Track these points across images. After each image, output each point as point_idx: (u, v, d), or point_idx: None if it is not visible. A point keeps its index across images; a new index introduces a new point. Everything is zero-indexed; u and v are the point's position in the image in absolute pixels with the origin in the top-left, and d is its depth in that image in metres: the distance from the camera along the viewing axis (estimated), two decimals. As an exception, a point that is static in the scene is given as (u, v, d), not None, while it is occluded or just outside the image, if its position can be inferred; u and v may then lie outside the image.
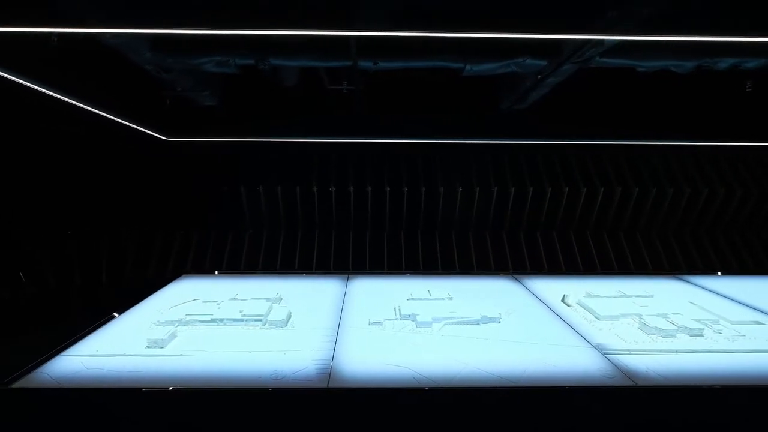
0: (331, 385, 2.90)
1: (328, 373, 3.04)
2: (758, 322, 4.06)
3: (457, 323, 3.93)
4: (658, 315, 4.05)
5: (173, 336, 3.54)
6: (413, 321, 3.94)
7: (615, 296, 4.66)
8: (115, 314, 4.14)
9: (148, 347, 3.38)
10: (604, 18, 3.36)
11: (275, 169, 6.48)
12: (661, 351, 3.43)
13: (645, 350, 3.44)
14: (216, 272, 6.45)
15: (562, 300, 4.60)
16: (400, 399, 2.84)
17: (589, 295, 4.73)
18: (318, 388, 2.86)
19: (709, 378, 3.08)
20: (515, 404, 2.83)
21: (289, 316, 4.04)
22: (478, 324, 3.96)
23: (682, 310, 4.21)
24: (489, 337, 3.69)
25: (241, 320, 3.85)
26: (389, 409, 2.74)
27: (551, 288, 5.04)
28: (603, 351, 3.42)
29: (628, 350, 3.44)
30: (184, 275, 5.75)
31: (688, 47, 4.18)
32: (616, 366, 3.19)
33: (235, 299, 4.43)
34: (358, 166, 6.40)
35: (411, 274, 5.78)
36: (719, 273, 6.75)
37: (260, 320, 3.86)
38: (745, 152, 6.41)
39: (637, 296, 4.66)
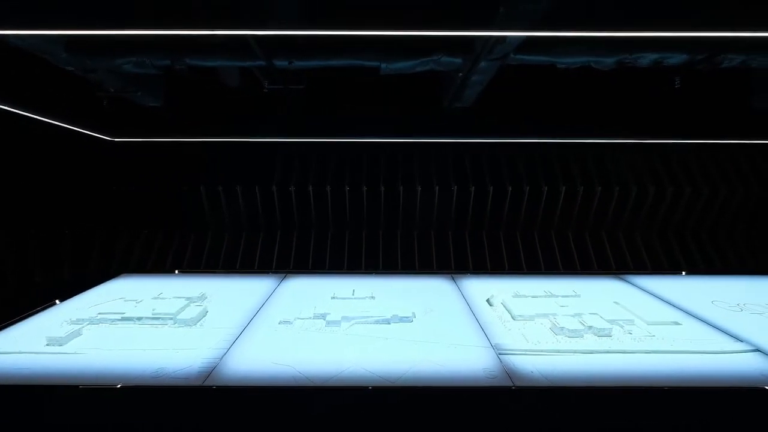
0: (206, 383, 2.92)
1: (209, 371, 3.06)
2: (676, 323, 3.99)
3: (367, 322, 3.93)
4: (574, 315, 4.00)
5: (77, 334, 3.59)
6: (323, 320, 3.94)
7: (540, 296, 4.62)
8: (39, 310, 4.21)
9: (47, 345, 3.43)
10: (498, 14, 3.33)
11: (234, 169, 6.52)
12: (558, 351, 3.39)
13: (542, 351, 3.40)
14: (176, 271, 6.54)
15: (487, 300, 4.57)
16: (268, 397, 2.84)
17: (516, 295, 4.69)
18: (187, 386, 2.88)
19: (595, 379, 3.04)
20: (381, 403, 2.82)
21: (203, 315, 4.07)
22: (389, 323, 3.95)
23: (602, 310, 4.15)
24: (392, 336, 3.67)
25: (151, 319, 3.89)
26: (255, 407, 2.75)
27: (485, 288, 5.00)
28: (499, 351, 3.39)
29: (525, 351, 3.40)
30: (124, 274, 5.81)
31: (602, 43, 4.12)
32: (505, 367, 3.16)
33: (157, 298, 4.47)
34: (312, 166, 6.42)
35: (350, 273, 5.78)
36: (683, 273, 6.67)
37: (171, 319, 3.90)
38: (701, 149, 6.31)
39: (563, 296, 4.61)
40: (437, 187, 6.01)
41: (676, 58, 4.29)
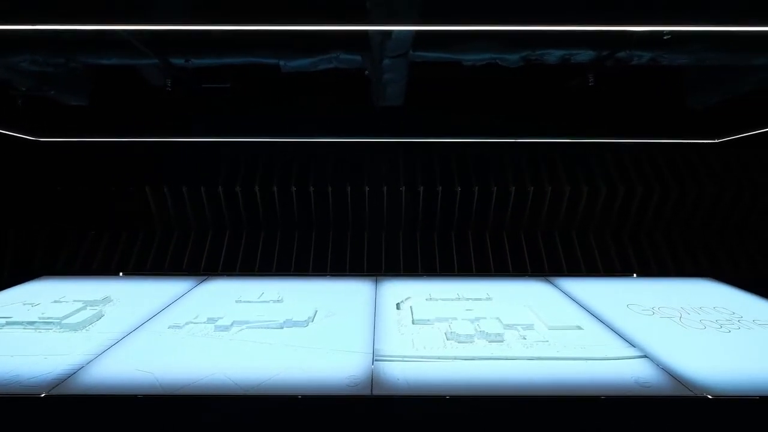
0: (53, 392, 2.82)
1: (63, 379, 2.96)
2: (579, 327, 3.88)
3: (258, 327, 3.83)
4: (473, 320, 3.90)
5: (-50, 339, 3.50)
6: (213, 324, 3.84)
7: (451, 299, 4.51)
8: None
9: None
10: (368, 8, 3.23)
11: (176, 169, 6.44)
12: (437, 358, 3.29)
13: (420, 357, 3.30)
14: (120, 273, 6.46)
15: (397, 304, 4.46)
16: (114, 406, 2.74)
17: (429, 298, 4.59)
18: (19, 395, 2.78)
19: (464, 387, 2.93)
20: (231, 411, 2.72)
21: (95, 319, 3.98)
22: (282, 328, 3.85)
23: (507, 314, 4.04)
24: (277, 342, 3.58)
25: (37, 323, 3.79)
26: (86, 417, 2.65)
27: (405, 291, 4.90)
28: (376, 358, 3.29)
29: (404, 357, 3.30)
30: (44, 276, 5.72)
31: (501, 38, 4.02)
32: (374, 374, 3.05)
33: (57, 301, 4.38)
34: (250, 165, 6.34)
35: (277, 275, 5.68)
36: (635, 275, 6.57)
37: (57, 323, 3.80)
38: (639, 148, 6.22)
39: (475, 299, 4.51)
40: (367, 188, 5.91)
41: (583, 55, 4.19)
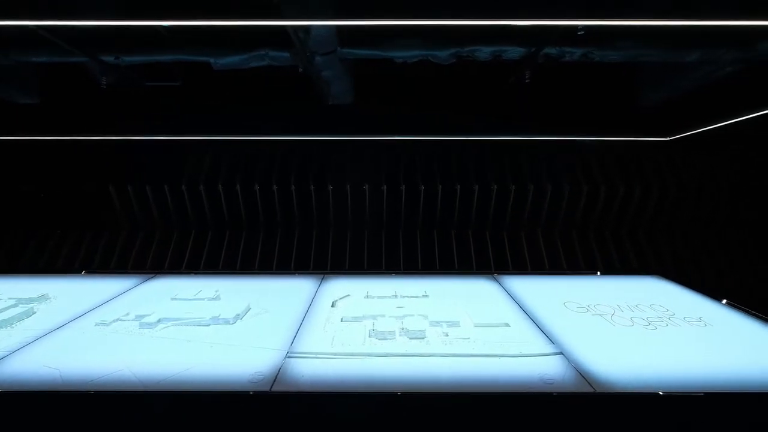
0: (-50, 388, 2.82)
1: (-35, 375, 2.96)
2: (507, 325, 3.87)
3: (184, 324, 3.82)
4: (400, 317, 3.89)
5: None
6: (139, 321, 3.84)
7: (387, 297, 4.51)
8: None
9: None
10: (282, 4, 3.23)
11: (138, 167, 6.46)
12: (350, 355, 3.28)
13: (334, 354, 3.29)
14: (83, 272, 6.46)
15: (333, 302, 4.46)
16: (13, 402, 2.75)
17: (367, 296, 4.58)
18: None
19: (373, 383, 2.93)
20: (133, 406, 2.72)
21: (25, 317, 3.98)
22: (208, 325, 3.84)
23: (437, 311, 4.04)
24: (197, 339, 3.57)
25: (-41, 320, 3.79)
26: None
27: (346, 288, 4.88)
28: (289, 355, 3.28)
29: (316, 354, 3.30)
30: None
31: (429, 35, 4.01)
32: (281, 371, 3.05)
33: (-9, 299, 4.38)
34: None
35: (221, 273, 5.67)
36: (598, 273, 6.55)
37: (-19, 321, 3.80)
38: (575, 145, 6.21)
39: (411, 297, 4.50)
40: (312, 186, 5.90)
41: (512, 52, 4.18)
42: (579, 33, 3.34)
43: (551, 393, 2.80)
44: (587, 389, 2.85)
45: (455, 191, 6.20)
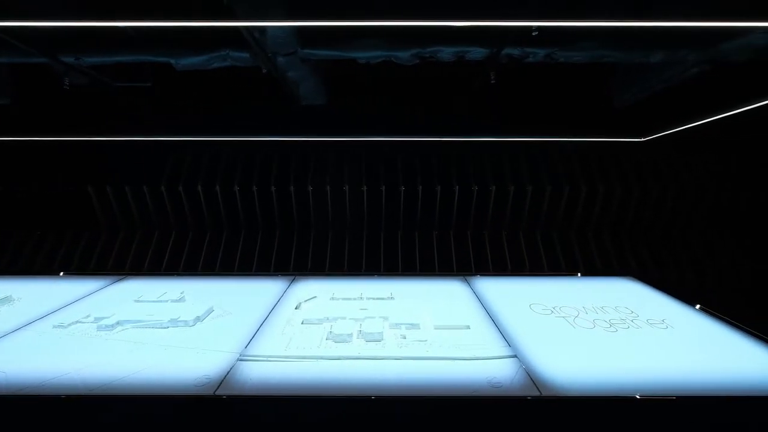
0: None
1: None
2: (467, 327, 3.85)
3: (143, 327, 3.81)
4: (360, 319, 3.87)
5: None
6: (97, 324, 3.82)
7: (353, 298, 4.48)
8: None
9: None
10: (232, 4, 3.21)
11: (120, 168, 6.45)
12: (302, 358, 3.26)
13: (287, 357, 3.28)
14: (61, 273, 6.45)
15: (297, 304, 4.44)
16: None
17: (333, 298, 4.56)
18: None
19: (321, 387, 2.91)
20: (74, 410, 2.70)
21: (-15, 319, 3.96)
22: (166, 328, 3.82)
23: (397, 314, 4.02)
24: (153, 341, 3.55)
25: None
26: None
27: (315, 290, 4.86)
28: (242, 357, 3.26)
29: (268, 357, 3.28)
30: (-37, 276, 5.70)
31: (387, 35, 3.99)
32: (230, 374, 3.03)
33: (-45, 301, 4.37)
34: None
35: (200, 275, 5.66)
36: (579, 274, 6.53)
37: (-59, 323, 3.78)
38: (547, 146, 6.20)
39: (376, 299, 4.48)
40: (292, 188, 5.88)
41: (475, 53, 4.15)
42: (533, 33, 3.32)
43: (496, 396, 2.78)
44: (534, 393, 2.83)
45: (435, 192, 6.18)
